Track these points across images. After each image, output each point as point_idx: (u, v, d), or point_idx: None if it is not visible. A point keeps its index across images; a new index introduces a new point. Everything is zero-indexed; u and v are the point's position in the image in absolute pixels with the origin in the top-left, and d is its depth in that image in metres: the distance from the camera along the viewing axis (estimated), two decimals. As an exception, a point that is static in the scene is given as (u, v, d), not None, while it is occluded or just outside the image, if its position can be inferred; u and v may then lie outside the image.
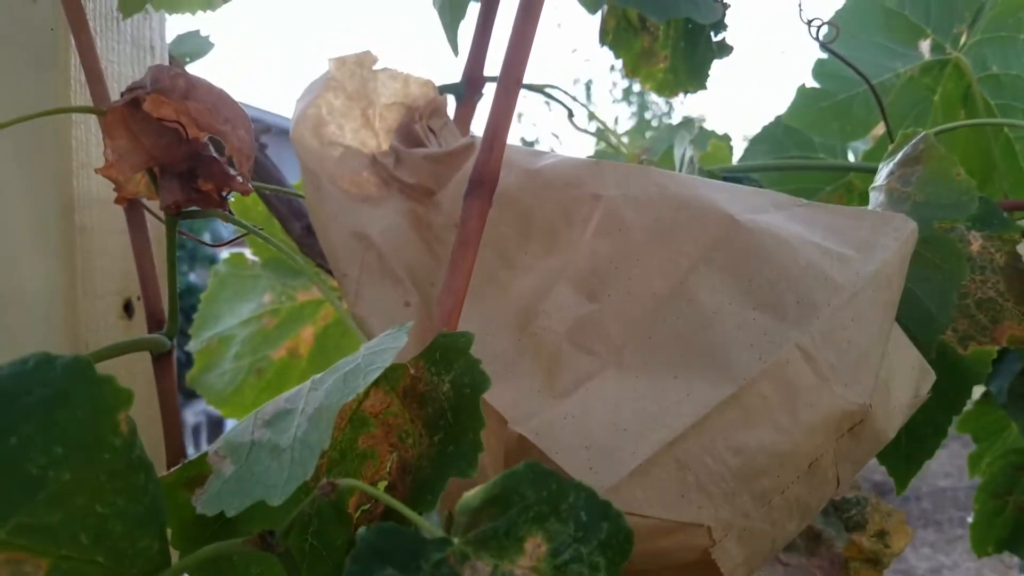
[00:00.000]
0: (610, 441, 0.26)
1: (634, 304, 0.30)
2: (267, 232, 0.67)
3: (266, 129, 0.59)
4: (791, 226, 0.30)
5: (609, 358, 0.29)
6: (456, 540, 0.19)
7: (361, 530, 0.18)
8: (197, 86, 0.29)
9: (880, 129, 0.69)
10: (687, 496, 0.25)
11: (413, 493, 0.25)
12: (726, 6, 0.52)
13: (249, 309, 0.64)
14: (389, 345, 0.24)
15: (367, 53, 0.43)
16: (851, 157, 0.80)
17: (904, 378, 0.32)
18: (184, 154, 0.31)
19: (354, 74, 0.43)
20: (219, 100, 0.29)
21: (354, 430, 0.27)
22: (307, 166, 0.40)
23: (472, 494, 0.19)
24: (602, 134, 0.63)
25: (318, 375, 0.25)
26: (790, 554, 0.41)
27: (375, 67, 0.43)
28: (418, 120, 0.43)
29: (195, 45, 0.61)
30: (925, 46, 0.72)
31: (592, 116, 0.55)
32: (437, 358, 0.26)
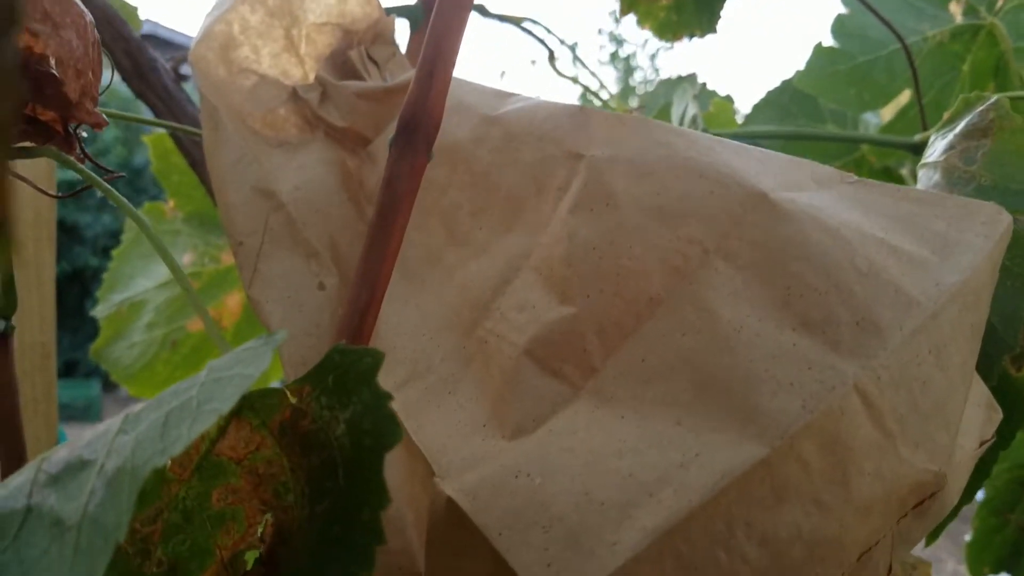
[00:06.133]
0: (580, 520, 0.18)
1: (623, 310, 0.21)
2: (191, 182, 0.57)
3: (185, 57, 0.49)
4: (843, 211, 0.22)
5: (584, 384, 0.21)
6: None
7: None
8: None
9: (904, 97, 0.61)
10: None
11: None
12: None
13: (166, 270, 0.54)
14: (241, 371, 0.15)
15: (293, -44, 0.33)
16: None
17: (972, 421, 0.24)
18: None
19: (277, -17, 0.33)
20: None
21: (204, 482, 0.18)
22: (207, 98, 0.31)
23: None
24: (587, 91, 0.54)
25: (137, 408, 0.16)
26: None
27: (303, -25, 0.33)
28: (356, 46, 0.34)
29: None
30: (957, 8, 0.63)
31: (576, 59, 0.46)
32: (330, 385, 0.17)
